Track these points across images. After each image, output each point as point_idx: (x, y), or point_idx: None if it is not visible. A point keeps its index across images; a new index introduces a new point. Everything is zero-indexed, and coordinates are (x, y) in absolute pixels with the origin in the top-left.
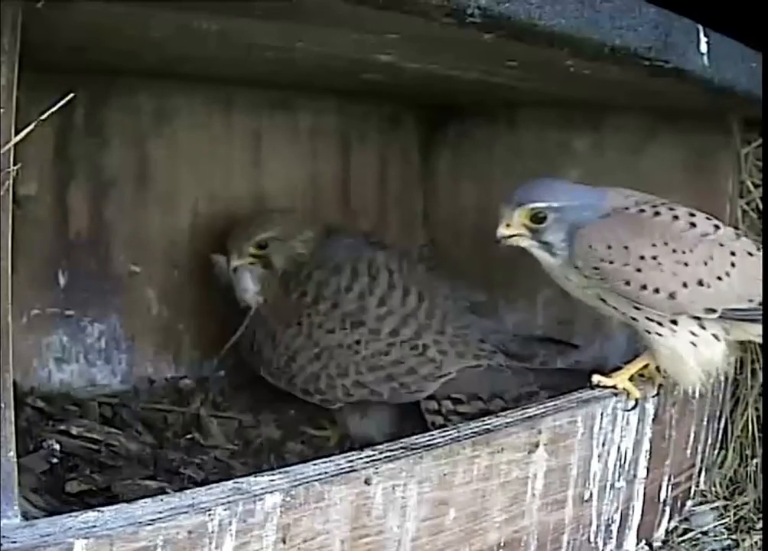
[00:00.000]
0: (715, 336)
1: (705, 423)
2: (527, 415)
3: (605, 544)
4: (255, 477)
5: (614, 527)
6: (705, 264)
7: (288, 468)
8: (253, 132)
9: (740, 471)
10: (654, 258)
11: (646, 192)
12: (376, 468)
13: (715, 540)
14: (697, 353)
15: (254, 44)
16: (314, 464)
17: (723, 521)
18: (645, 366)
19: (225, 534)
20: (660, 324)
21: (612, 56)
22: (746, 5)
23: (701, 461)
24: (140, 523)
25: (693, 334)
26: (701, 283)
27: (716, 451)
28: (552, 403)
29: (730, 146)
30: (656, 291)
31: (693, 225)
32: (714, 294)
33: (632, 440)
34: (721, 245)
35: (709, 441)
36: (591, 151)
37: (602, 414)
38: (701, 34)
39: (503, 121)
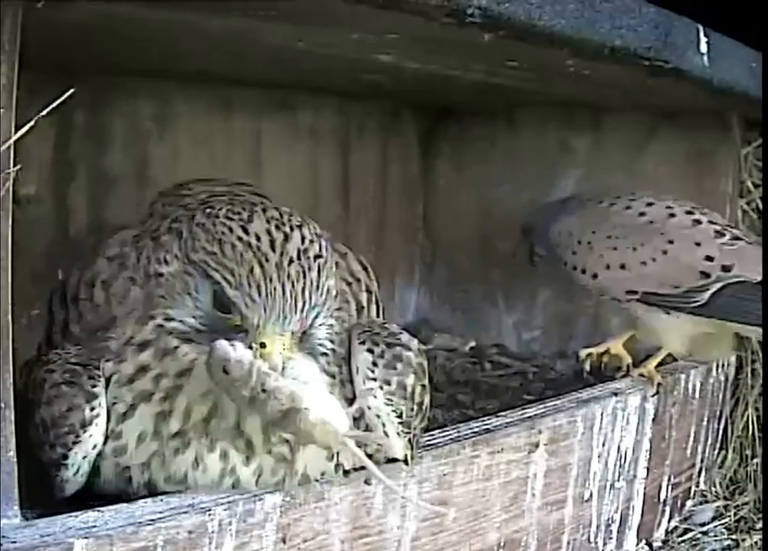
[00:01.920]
0: (667, 312)
1: (705, 423)
2: (527, 415)
3: (605, 544)
4: None
5: (614, 527)
6: (634, 249)
7: None
8: (253, 132)
9: (740, 471)
10: (588, 242)
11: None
12: None
13: (715, 540)
14: (665, 324)
15: (254, 43)
16: None
17: (723, 521)
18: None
19: (225, 534)
20: (618, 300)
21: (612, 56)
22: (746, 5)
23: (701, 461)
24: (140, 523)
25: (646, 310)
26: (623, 267)
27: (716, 451)
28: (552, 403)
29: (730, 146)
30: (583, 271)
31: (642, 214)
32: (634, 278)
33: (632, 440)
34: (662, 233)
35: (709, 441)
36: (591, 151)
37: (602, 414)
38: (701, 34)
39: (503, 120)
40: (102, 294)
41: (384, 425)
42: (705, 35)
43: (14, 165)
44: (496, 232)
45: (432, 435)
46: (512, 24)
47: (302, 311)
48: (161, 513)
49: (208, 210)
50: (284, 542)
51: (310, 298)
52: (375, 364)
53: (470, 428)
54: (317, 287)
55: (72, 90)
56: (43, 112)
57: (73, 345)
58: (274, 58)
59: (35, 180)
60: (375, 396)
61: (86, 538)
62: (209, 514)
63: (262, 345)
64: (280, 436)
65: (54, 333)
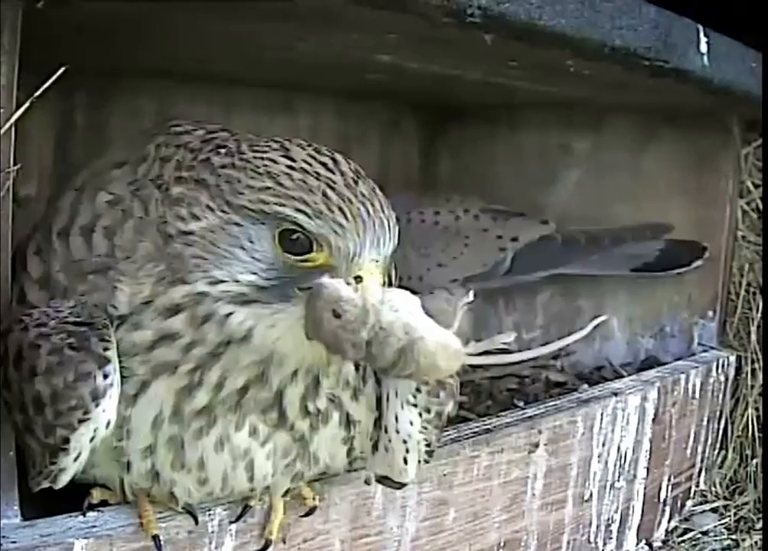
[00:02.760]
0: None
1: (705, 423)
2: (527, 415)
3: (605, 544)
4: None
5: (614, 527)
6: (443, 251)
7: None
8: (253, 132)
9: (740, 471)
10: (405, 255)
11: (646, 193)
12: None
13: (715, 540)
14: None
15: (254, 43)
16: None
17: (723, 521)
18: None
19: (225, 534)
20: (446, 288)
21: (612, 56)
22: (746, 5)
23: (701, 461)
24: (140, 523)
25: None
26: (440, 265)
27: (716, 451)
28: (552, 403)
29: (730, 146)
30: (409, 278)
31: (437, 223)
32: (452, 270)
33: (632, 440)
34: (457, 233)
35: (709, 441)
36: (591, 152)
37: (602, 414)
38: (701, 34)
39: (503, 122)
40: (104, 242)
41: (407, 451)
42: (705, 35)
43: (14, 165)
44: None
45: None
46: (512, 24)
47: (391, 229)
48: (161, 512)
49: (225, 149)
50: (284, 542)
51: (392, 215)
52: (418, 390)
53: (470, 429)
54: (389, 205)
55: (64, 68)
56: (37, 93)
57: (61, 297)
58: (275, 58)
59: (35, 180)
60: (411, 423)
61: (86, 538)
62: (209, 514)
63: (358, 279)
64: (316, 407)
65: (29, 285)
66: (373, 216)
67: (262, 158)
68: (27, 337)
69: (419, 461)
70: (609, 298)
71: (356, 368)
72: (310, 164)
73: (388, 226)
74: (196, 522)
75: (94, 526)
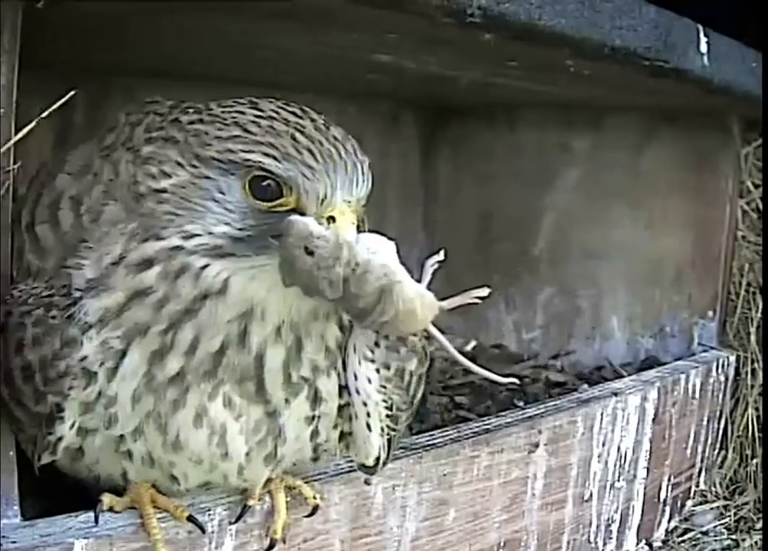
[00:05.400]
0: None
1: (705, 423)
2: (527, 415)
3: (605, 544)
4: None
5: (614, 527)
6: None
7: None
8: None
9: (740, 471)
10: None
11: (646, 192)
12: None
13: (715, 540)
14: None
15: (253, 43)
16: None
17: (723, 521)
18: None
19: (225, 534)
20: None
21: (612, 56)
22: (746, 5)
23: (701, 461)
24: (140, 523)
25: None
26: None
27: (716, 451)
28: (552, 403)
29: (730, 146)
30: None
31: None
32: None
33: (632, 440)
34: None
35: (709, 441)
36: (591, 152)
37: (602, 414)
38: (701, 34)
39: (503, 121)
40: (69, 214)
41: (368, 415)
42: (705, 35)
43: (14, 164)
44: (496, 231)
45: (432, 435)
46: (512, 24)
47: (364, 172)
48: (160, 512)
49: (193, 109)
50: (284, 542)
51: (365, 159)
52: (377, 344)
53: (470, 429)
54: (362, 151)
55: (73, 92)
56: (44, 114)
57: (33, 279)
58: (274, 58)
59: None
60: (369, 381)
61: (86, 538)
62: (209, 514)
63: (330, 220)
64: (300, 375)
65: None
66: (345, 158)
67: (230, 111)
68: (11, 318)
69: (382, 430)
70: (608, 297)
71: (341, 329)
72: (278, 113)
73: (361, 168)
74: (203, 531)
75: (94, 526)
